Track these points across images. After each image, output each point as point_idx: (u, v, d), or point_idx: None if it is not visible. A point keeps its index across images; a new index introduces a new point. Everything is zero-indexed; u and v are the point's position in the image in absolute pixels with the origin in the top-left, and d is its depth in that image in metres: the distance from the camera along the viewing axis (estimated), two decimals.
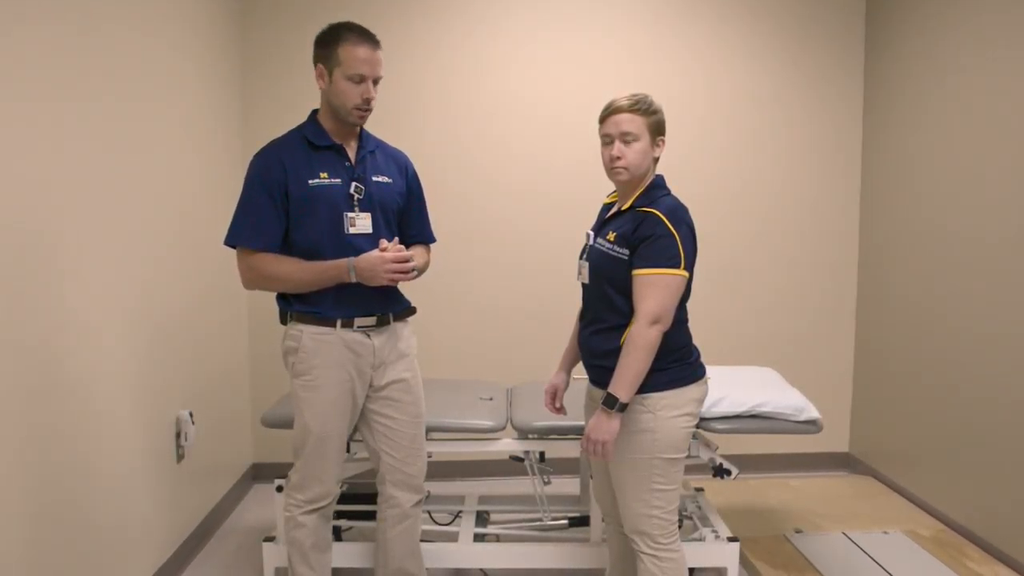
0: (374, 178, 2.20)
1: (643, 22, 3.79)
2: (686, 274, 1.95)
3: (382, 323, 2.22)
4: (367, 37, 2.09)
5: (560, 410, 2.30)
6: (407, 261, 2.08)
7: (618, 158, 1.98)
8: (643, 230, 1.94)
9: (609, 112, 2.01)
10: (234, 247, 2.16)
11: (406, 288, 2.30)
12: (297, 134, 2.17)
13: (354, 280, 2.08)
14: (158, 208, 2.73)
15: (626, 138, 1.98)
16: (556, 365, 2.31)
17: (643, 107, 1.98)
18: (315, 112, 2.20)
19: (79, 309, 2.18)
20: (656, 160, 2.05)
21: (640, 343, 1.91)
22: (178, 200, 2.91)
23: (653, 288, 1.92)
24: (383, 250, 2.08)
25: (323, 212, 2.11)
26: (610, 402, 1.93)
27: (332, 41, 2.08)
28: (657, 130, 2.01)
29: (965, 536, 3.13)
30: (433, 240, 2.42)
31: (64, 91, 2.11)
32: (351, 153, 2.19)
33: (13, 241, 1.88)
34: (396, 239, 2.15)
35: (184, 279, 2.96)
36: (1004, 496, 2.93)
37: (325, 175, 2.12)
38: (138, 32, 2.57)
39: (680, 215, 1.97)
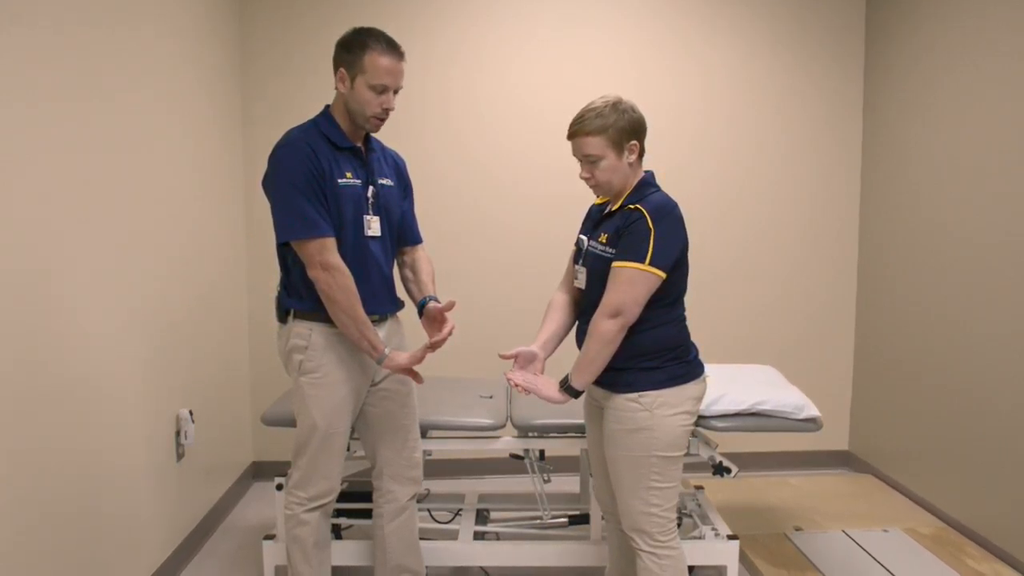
0: (380, 181, 2.20)
1: (643, 21, 3.78)
2: (656, 272, 1.90)
3: (383, 319, 2.24)
4: (393, 48, 2.05)
5: (509, 358, 2.08)
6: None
7: (588, 178, 2.01)
8: (627, 225, 1.94)
9: (569, 134, 1.99)
10: (286, 242, 2.06)
11: (402, 287, 2.35)
12: (316, 130, 2.10)
13: (376, 364, 2.13)
14: (158, 207, 2.73)
15: (589, 159, 1.97)
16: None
17: (600, 125, 1.93)
18: (328, 108, 2.15)
19: (79, 308, 2.18)
20: (636, 161, 2.00)
21: (598, 332, 1.93)
22: (178, 199, 2.91)
23: (617, 281, 1.92)
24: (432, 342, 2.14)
25: (350, 212, 2.10)
26: (563, 382, 1.99)
27: (358, 47, 2.03)
28: (624, 137, 1.95)
29: (965, 534, 3.13)
30: (422, 240, 2.42)
31: (63, 91, 2.11)
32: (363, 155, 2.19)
33: (14, 242, 1.88)
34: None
35: (185, 278, 2.96)
36: (1004, 494, 2.93)
37: (350, 175, 2.10)
38: (137, 31, 2.57)
39: (664, 212, 1.93)
